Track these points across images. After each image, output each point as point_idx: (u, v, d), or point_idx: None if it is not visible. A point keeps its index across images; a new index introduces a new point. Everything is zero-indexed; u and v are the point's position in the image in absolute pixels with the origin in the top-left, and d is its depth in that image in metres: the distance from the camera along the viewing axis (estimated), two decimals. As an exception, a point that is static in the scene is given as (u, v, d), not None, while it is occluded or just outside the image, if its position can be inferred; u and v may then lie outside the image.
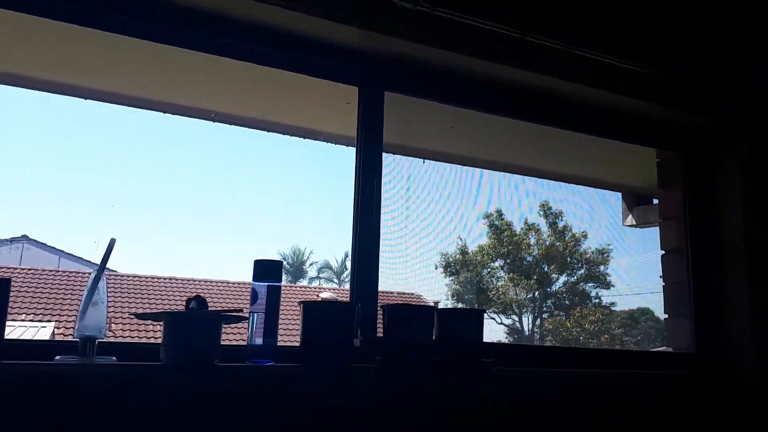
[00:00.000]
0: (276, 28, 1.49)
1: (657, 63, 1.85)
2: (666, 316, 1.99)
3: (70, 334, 4.60)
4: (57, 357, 1.09)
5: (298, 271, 12.58)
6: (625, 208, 2.95)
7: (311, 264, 12.99)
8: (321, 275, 12.71)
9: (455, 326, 1.36)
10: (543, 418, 1.43)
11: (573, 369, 1.58)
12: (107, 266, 1.15)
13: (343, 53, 1.58)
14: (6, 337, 1.03)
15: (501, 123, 2.00)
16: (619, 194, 2.98)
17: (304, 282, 12.33)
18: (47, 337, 4.26)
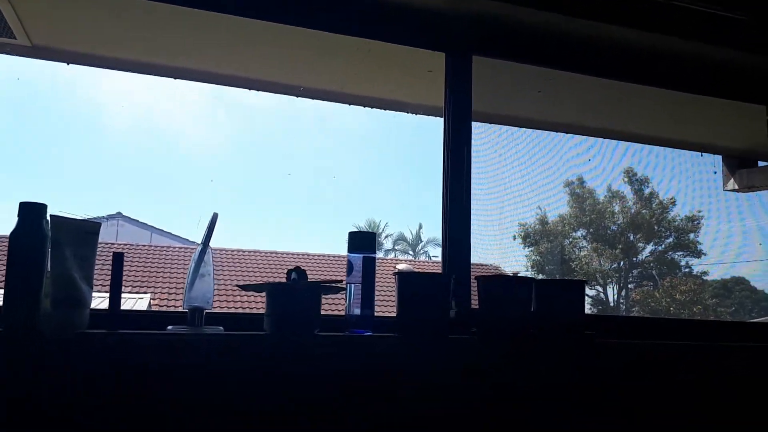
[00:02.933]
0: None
1: (763, 11, 1.69)
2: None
3: (165, 305, 4.88)
4: (169, 327, 1.14)
5: (374, 243, 12.67)
6: (726, 172, 2.76)
7: (386, 236, 13.10)
8: (396, 247, 12.80)
9: (555, 298, 1.31)
10: (651, 392, 1.37)
11: (680, 341, 1.50)
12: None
13: (428, 17, 1.54)
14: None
15: (591, 84, 1.90)
16: (719, 157, 2.79)
17: (380, 254, 12.46)
18: (145, 307, 4.53)
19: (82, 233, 1.09)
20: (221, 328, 1.17)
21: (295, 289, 1.14)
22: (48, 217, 1.06)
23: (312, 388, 1.13)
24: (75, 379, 1.01)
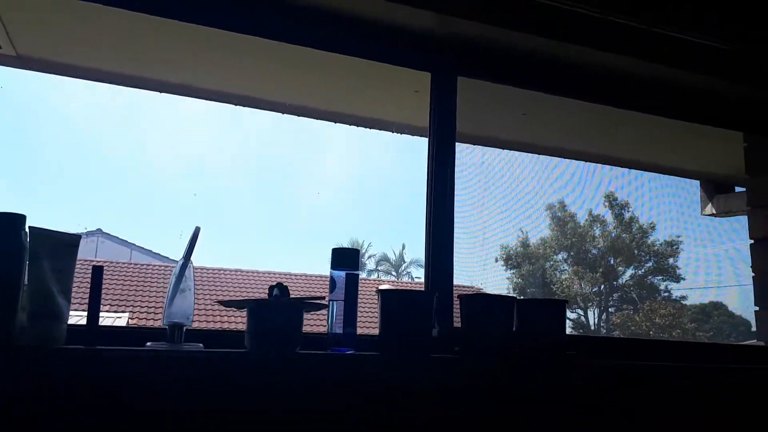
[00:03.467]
0: (344, 12, 1.48)
1: (744, 40, 1.74)
2: (757, 308, 1.87)
3: (143, 324, 4.80)
4: (148, 343, 1.12)
5: (357, 263, 12.64)
6: (704, 197, 2.80)
7: (369, 257, 13.07)
8: (379, 267, 12.77)
9: (537, 317, 1.32)
10: (632, 410, 1.37)
11: (659, 362, 1.51)
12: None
13: (415, 38, 1.56)
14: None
15: (575, 108, 1.93)
16: (696, 183, 2.84)
17: (363, 274, 12.42)
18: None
19: (62, 245, 1.07)
20: (201, 345, 1.15)
21: (277, 306, 1.13)
22: (27, 229, 1.04)
23: (293, 406, 1.11)
24: (50, 395, 0.99)
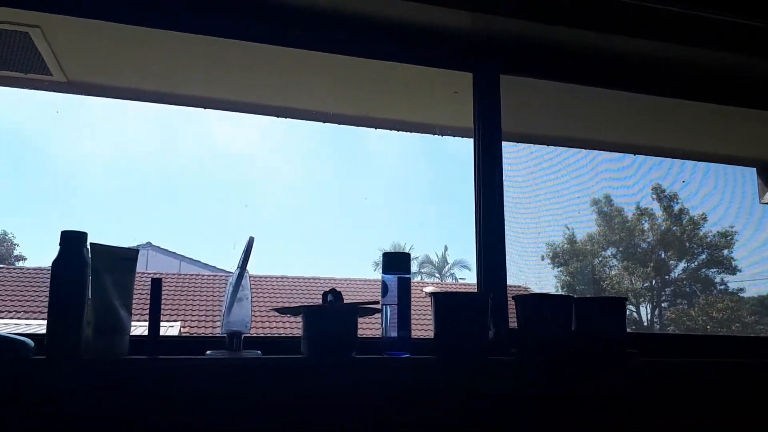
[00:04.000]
0: (383, 18, 1.48)
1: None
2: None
3: (195, 332, 4.90)
4: (208, 352, 1.14)
5: (399, 267, 12.65)
6: (762, 185, 2.69)
7: (412, 259, 13.02)
8: (422, 270, 12.73)
9: (595, 316, 1.28)
10: (695, 410, 1.32)
11: (727, 358, 1.45)
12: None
13: (453, 39, 1.55)
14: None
15: (621, 99, 1.89)
16: (752, 170, 2.73)
17: (406, 278, 12.39)
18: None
19: (120, 260, 1.10)
20: (259, 352, 1.17)
21: (331, 312, 1.13)
22: (88, 245, 1.07)
23: (351, 410, 1.12)
24: (117, 406, 1.02)
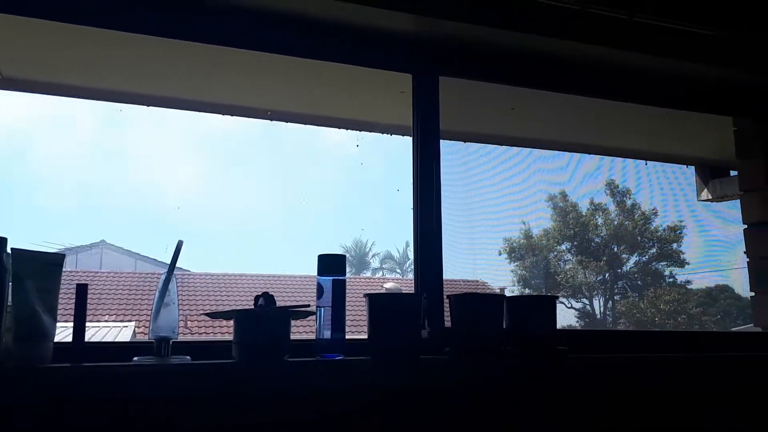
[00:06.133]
0: (324, 19, 1.48)
1: (731, 25, 1.73)
2: (752, 293, 1.87)
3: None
4: (135, 358, 1.13)
5: (361, 262, 12.70)
6: (700, 182, 2.79)
7: (373, 255, 13.07)
8: (384, 266, 12.77)
9: (526, 314, 1.31)
10: (626, 405, 1.37)
11: (654, 354, 1.50)
12: (177, 267, 1.17)
13: (394, 40, 1.56)
14: (89, 339, 1.07)
15: (565, 100, 1.92)
16: (692, 168, 2.83)
17: (367, 273, 12.44)
18: (129, 336, 4.46)
19: (45, 264, 1.08)
20: (188, 357, 1.15)
21: (262, 316, 1.13)
22: (8, 250, 1.05)
23: (283, 415, 1.12)
24: (37, 414, 0.99)
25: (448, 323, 1.39)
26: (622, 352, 1.52)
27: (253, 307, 1.16)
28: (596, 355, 1.43)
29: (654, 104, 1.87)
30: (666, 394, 1.41)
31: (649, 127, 2.27)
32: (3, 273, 1.03)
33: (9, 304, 1.03)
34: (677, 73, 1.80)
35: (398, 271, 12.24)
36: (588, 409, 1.34)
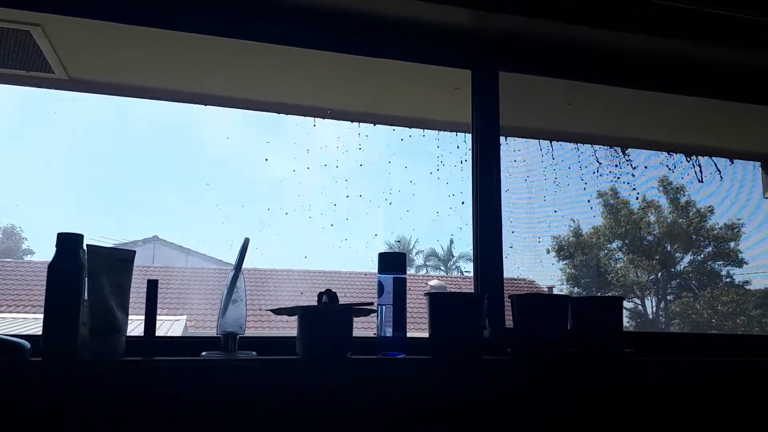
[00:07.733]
0: (382, 16, 1.48)
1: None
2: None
3: (201, 326, 4.92)
4: (203, 353, 1.15)
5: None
6: (766, 179, 2.67)
7: (417, 253, 13.03)
8: (428, 263, 12.73)
9: (591, 316, 1.28)
10: (694, 409, 1.32)
11: (724, 357, 1.45)
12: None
13: (452, 35, 1.54)
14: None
15: (623, 95, 1.87)
16: (757, 164, 2.71)
17: (411, 270, 12.42)
18: (181, 329, 4.58)
19: (117, 261, 1.11)
20: (254, 353, 1.17)
21: (326, 313, 1.14)
22: (84, 247, 1.08)
23: (345, 412, 1.12)
24: (112, 406, 1.02)
25: (508, 324, 1.37)
26: (686, 355, 1.47)
27: (317, 304, 1.16)
28: (662, 358, 1.38)
29: (719, 97, 1.81)
30: (736, 396, 1.35)
31: (715, 122, 2.19)
32: (80, 269, 1.06)
33: (85, 299, 1.06)
34: (744, 64, 1.73)
35: (442, 268, 12.18)
36: (658, 413, 1.30)
